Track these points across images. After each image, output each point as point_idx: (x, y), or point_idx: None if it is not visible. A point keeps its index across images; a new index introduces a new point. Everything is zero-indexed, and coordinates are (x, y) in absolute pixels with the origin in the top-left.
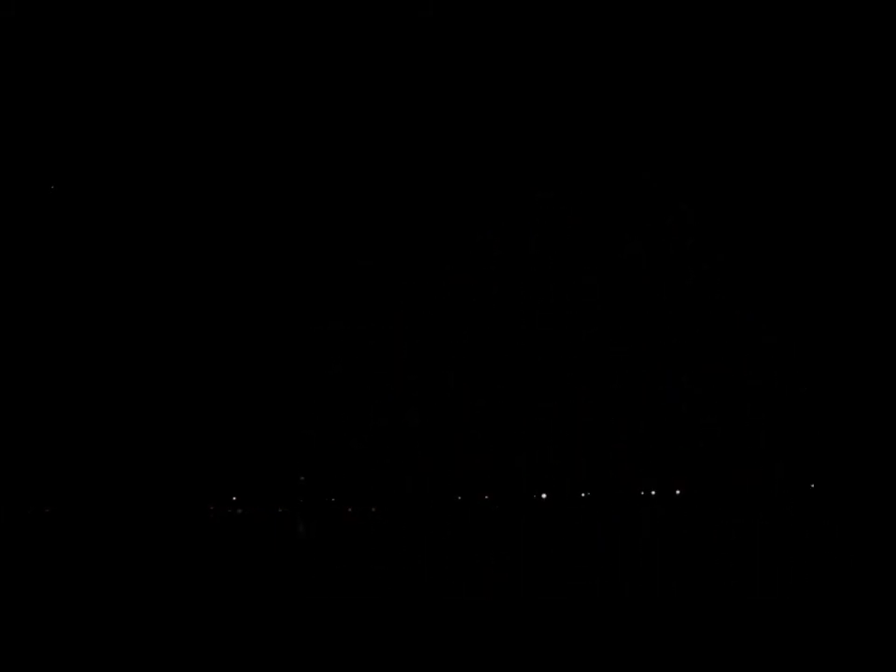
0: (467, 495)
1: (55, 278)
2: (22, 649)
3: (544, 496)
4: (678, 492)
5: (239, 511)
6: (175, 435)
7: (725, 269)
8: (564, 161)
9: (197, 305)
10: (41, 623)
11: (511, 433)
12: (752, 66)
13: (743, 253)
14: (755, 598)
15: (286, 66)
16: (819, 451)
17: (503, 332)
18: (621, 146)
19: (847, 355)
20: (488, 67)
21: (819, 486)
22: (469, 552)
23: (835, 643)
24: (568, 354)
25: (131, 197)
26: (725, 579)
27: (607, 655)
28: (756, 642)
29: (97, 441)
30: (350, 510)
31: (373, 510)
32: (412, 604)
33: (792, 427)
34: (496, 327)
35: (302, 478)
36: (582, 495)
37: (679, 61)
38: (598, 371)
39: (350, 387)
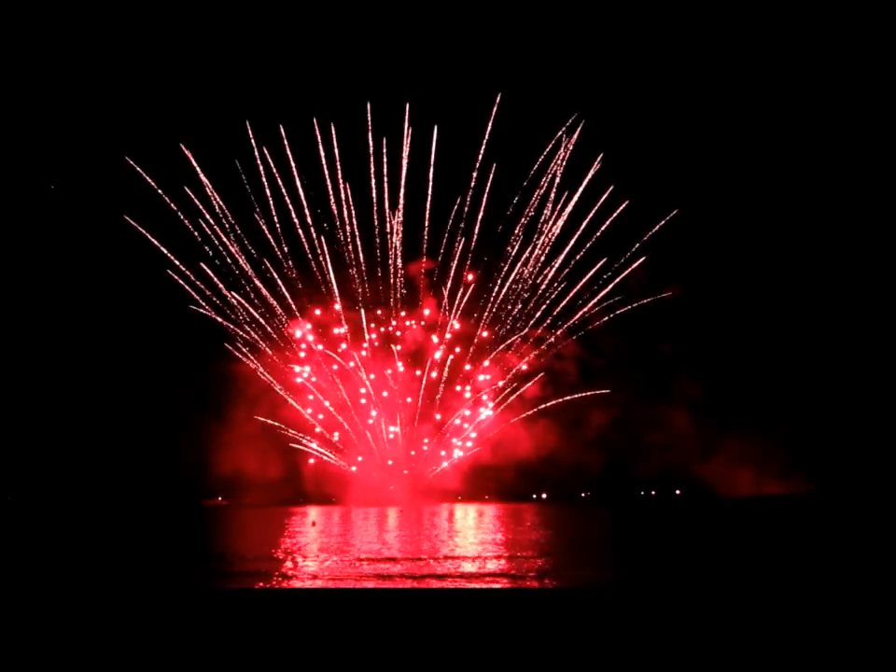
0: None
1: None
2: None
3: (544, 496)
4: (677, 492)
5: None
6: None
7: (722, 268)
8: None
9: None
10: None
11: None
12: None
13: (741, 254)
14: (753, 596)
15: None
16: (820, 452)
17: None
18: None
19: (848, 359)
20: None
21: (820, 488)
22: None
23: (835, 642)
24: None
25: None
26: (723, 577)
27: (607, 639)
28: (754, 640)
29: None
30: None
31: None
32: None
33: (792, 428)
34: None
35: None
36: (583, 495)
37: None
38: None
39: None
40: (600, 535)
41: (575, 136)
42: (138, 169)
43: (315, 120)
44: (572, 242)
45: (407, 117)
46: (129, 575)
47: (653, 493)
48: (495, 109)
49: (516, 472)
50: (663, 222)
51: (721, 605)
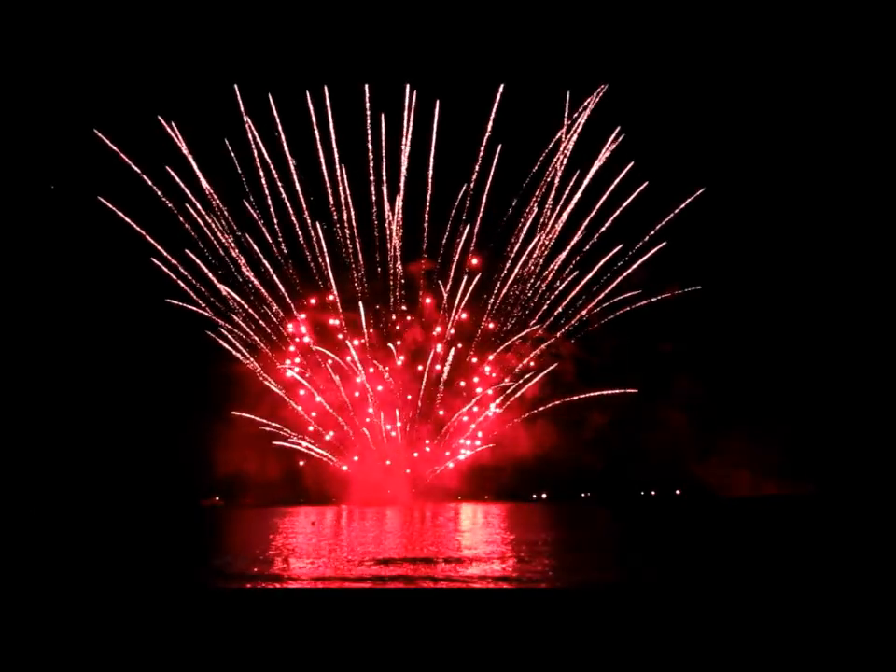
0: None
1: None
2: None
3: (545, 495)
4: (677, 492)
5: None
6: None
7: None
8: None
9: None
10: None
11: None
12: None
13: (743, 254)
14: (753, 596)
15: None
16: (819, 452)
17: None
18: None
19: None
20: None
21: (819, 488)
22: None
23: (835, 642)
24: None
25: None
26: (722, 576)
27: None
28: (754, 640)
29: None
30: None
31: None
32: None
33: (792, 428)
34: None
35: None
36: (583, 495)
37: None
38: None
39: None
40: (600, 535)
41: (587, 113)
42: (111, 145)
43: (308, 93)
44: (581, 229)
45: (408, 91)
46: (128, 575)
47: (653, 493)
48: (501, 88)
49: (516, 472)
50: (684, 204)
51: (722, 605)
